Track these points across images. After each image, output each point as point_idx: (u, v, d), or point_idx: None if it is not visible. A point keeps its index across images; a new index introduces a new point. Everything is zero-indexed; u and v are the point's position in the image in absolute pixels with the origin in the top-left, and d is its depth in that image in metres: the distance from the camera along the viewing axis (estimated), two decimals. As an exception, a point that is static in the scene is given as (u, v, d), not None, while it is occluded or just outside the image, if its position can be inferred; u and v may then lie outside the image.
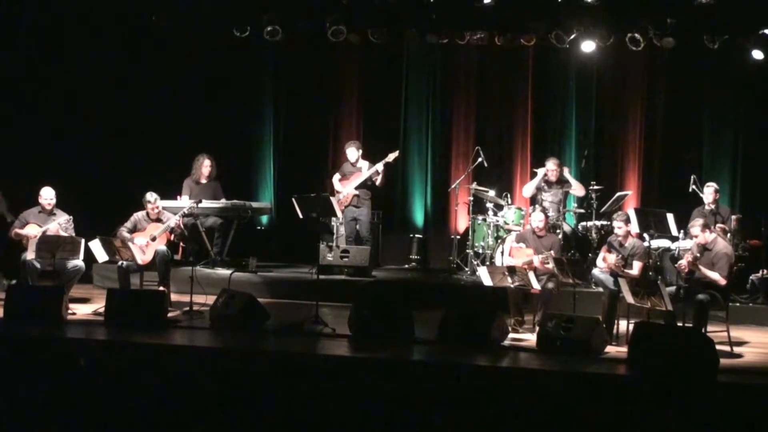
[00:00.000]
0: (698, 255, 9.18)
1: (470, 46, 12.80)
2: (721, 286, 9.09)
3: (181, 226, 10.74)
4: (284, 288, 11.56)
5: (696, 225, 9.37)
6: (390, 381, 7.94)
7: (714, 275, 9.06)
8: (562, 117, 13.31)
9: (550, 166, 11.84)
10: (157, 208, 10.60)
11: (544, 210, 10.57)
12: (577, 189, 11.74)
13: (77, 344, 8.69)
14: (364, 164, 12.12)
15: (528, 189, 11.89)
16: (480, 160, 12.17)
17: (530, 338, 9.23)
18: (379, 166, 11.99)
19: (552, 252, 9.71)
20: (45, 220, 10.55)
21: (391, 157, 12.07)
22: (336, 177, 12.26)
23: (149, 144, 13.34)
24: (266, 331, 9.51)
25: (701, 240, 9.27)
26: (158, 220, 10.60)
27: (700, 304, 8.98)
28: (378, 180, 12.04)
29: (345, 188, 12.06)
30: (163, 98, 13.38)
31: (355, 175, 12.11)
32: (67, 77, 12.70)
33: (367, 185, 12.09)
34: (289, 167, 13.93)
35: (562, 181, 11.91)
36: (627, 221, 9.80)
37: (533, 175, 12.13)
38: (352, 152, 12.17)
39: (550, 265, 9.62)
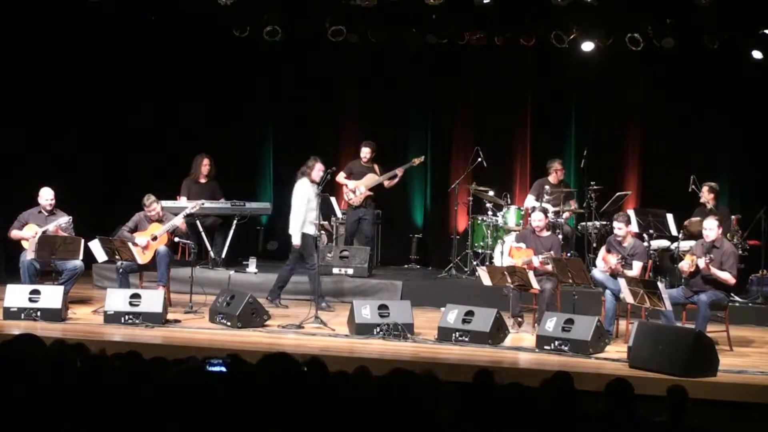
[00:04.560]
0: (712, 257, 9.09)
1: (470, 46, 12.78)
2: (730, 286, 9.09)
3: (185, 225, 10.74)
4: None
5: (714, 222, 9.27)
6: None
7: (725, 275, 9.05)
8: (562, 117, 13.30)
9: (556, 165, 11.85)
10: (155, 209, 10.58)
11: (544, 210, 10.57)
12: (572, 205, 11.74)
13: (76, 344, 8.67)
14: (374, 166, 12.13)
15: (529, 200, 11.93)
16: (480, 160, 12.16)
17: (530, 338, 9.23)
18: (399, 171, 12.05)
19: (552, 252, 9.71)
20: (44, 221, 10.52)
21: (416, 161, 12.19)
22: (342, 175, 12.22)
23: (149, 144, 13.32)
24: (266, 330, 9.50)
25: (712, 237, 9.21)
26: (159, 220, 10.59)
27: (700, 305, 8.98)
28: (393, 183, 12.07)
29: (358, 187, 12.04)
30: (163, 98, 13.37)
31: (366, 175, 12.08)
32: (66, 76, 12.68)
33: (377, 186, 12.10)
34: (289, 167, 13.89)
35: (563, 183, 11.92)
36: (627, 221, 9.78)
37: (533, 176, 12.11)
38: (367, 153, 12.16)
39: (550, 266, 9.62)
